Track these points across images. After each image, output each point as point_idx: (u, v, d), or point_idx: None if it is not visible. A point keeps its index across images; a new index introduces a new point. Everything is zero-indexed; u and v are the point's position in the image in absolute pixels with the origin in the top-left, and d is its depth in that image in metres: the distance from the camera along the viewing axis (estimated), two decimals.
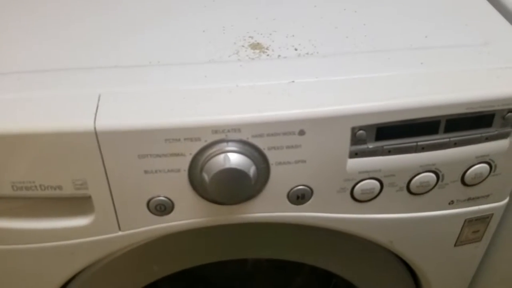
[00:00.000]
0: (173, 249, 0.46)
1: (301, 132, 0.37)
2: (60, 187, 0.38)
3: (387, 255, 0.49)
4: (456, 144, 0.39)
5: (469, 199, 0.44)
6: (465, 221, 0.46)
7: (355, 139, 0.38)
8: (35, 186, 0.38)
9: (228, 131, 0.36)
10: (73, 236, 0.41)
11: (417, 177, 0.41)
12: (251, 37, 0.44)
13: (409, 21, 0.46)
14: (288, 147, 0.37)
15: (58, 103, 0.36)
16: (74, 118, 0.35)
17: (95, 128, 0.35)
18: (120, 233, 0.41)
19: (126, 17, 0.47)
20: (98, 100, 0.37)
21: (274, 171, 0.38)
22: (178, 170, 0.38)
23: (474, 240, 0.48)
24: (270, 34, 0.45)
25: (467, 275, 0.54)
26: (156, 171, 0.38)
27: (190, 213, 0.41)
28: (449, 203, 0.44)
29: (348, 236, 0.45)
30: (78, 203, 0.40)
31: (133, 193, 0.39)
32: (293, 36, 0.45)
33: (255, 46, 0.43)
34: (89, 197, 0.39)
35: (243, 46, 0.43)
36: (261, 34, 0.45)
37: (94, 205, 0.39)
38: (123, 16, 0.48)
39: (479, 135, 0.39)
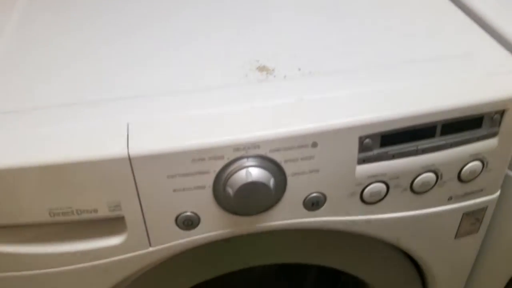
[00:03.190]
0: (198, 261, 0.49)
1: (314, 144, 0.40)
2: (95, 210, 0.41)
3: (392, 250, 0.53)
4: (451, 145, 0.44)
5: (465, 194, 0.48)
6: (463, 214, 0.50)
7: (362, 147, 0.42)
8: (72, 212, 0.41)
9: (249, 148, 0.40)
10: (107, 255, 0.44)
11: (419, 178, 0.45)
12: (257, 61, 0.48)
13: (397, 38, 0.51)
14: (302, 158, 0.41)
15: (91, 134, 0.40)
16: (109, 146, 0.39)
17: (128, 154, 0.38)
18: (151, 249, 0.44)
19: (134, 47, 0.51)
20: (127, 128, 0.40)
21: (291, 181, 0.42)
22: (204, 187, 0.41)
23: (472, 231, 0.52)
24: (274, 56, 0.49)
25: (467, 265, 0.58)
26: (183, 189, 0.41)
27: (215, 226, 0.44)
28: (448, 199, 0.48)
29: (353, 235, 0.49)
30: (111, 224, 0.43)
31: (163, 211, 0.42)
32: (295, 56, 0.49)
33: (262, 68, 0.47)
34: (122, 217, 0.42)
35: (250, 69, 0.47)
36: (266, 57, 0.49)
37: (127, 225, 0.42)
38: (133, 47, 0.51)
39: (471, 136, 0.44)
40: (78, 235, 0.44)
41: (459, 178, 0.46)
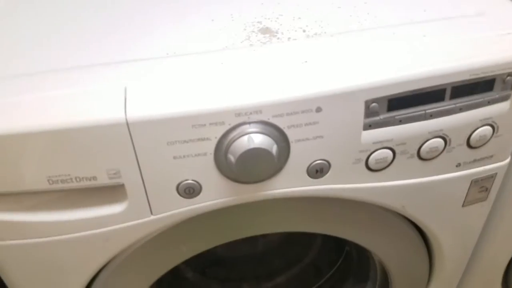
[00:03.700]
0: (200, 229, 0.48)
1: (318, 109, 0.39)
2: (94, 178, 0.40)
3: (398, 219, 0.52)
4: (461, 109, 0.42)
5: (474, 160, 0.47)
6: (471, 181, 0.49)
7: (369, 112, 0.40)
8: (71, 179, 0.40)
9: (250, 113, 0.38)
10: (107, 224, 0.44)
11: (426, 144, 0.43)
12: (260, 22, 0.46)
13: None
14: (306, 124, 0.40)
15: (88, 99, 0.38)
16: (106, 111, 0.37)
17: (126, 119, 0.37)
18: (152, 217, 0.44)
19: (133, 12, 0.49)
20: (125, 92, 0.39)
21: (294, 148, 0.41)
22: (205, 154, 0.40)
23: (480, 199, 0.51)
24: (277, 18, 0.47)
25: (474, 234, 0.58)
26: (184, 156, 0.40)
27: (216, 194, 0.43)
28: (456, 166, 0.47)
29: (359, 203, 0.48)
30: (112, 192, 0.42)
31: (163, 179, 0.41)
32: (300, 18, 0.47)
33: (265, 30, 0.45)
34: (122, 185, 0.41)
35: (253, 31, 0.45)
36: (269, 18, 0.47)
37: (127, 193, 0.41)
38: (131, 12, 0.49)
39: (482, 99, 0.42)
40: (79, 204, 0.43)
41: (468, 144, 0.45)
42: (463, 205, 0.51)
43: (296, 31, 0.45)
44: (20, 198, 0.42)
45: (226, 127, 0.39)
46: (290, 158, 0.42)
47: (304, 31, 0.45)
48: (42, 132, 0.37)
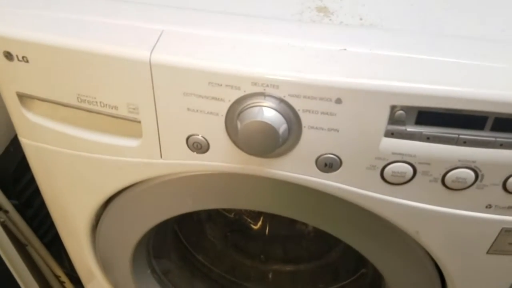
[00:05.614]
0: (207, 188, 0.49)
1: (338, 101, 0.37)
2: (116, 107, 0.42)
3: (416, 246, 0.48)
4: (502, 145, 0.37)
5: (509, 207, 0.41)
6: (502, 229, 0.43)
7: (393, 119, 0.37)
8: (96, 102, 0.43)
9: (267, 85, 0.37)
10: (122, 154, 0.46)
11: (453, 171, 0.39)
12: (321, 0, 0.44)
13: (487, 10, 0.43)
14: (323, 113, 0.38)
15: (124, 32, 0.40)
16: (135, 47, 0.39)
17: (150, 59, 0.38)
18: (161, 160, 0.45)
19: None
20: (160, 35, 0.40)
21: (306, 134, 0.39)
22: (217, 114, 0.40)
23: (510, 252, 0.45)
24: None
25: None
26: (197, 110, 0.40)
27: (222, 157, 0.43)
28: (486, 207, 0.42)
29: (377, 218, 0.45)
30: (130, 126, 0.44)
31: (176, 127, 0.42)
32: (364, 5, 0.44)
33: (321, 9, 0.43)
34: (139, 122, 0.43)
35: (309, 7, 0.44)
36: None
37: (142, 130, 0.43)
38: None
39: None
40: (101, 129, 0.46)
41: (504, 186, 0.39)
42: (487, 252, 0.46)
43: (353, 17, 0.42)
44: (55, 108, 0.45)
45: (241, 93, 0.38)
46: (300, 143, 0.40)
47: (361, 19, 0.42)
48: (77, 51, 0.40)
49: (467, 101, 0.35)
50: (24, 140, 0.50)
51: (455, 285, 0.50)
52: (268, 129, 0.38)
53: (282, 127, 0.38)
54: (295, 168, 0.42)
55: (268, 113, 0.38)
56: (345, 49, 0.38)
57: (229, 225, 0.80)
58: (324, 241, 0.77)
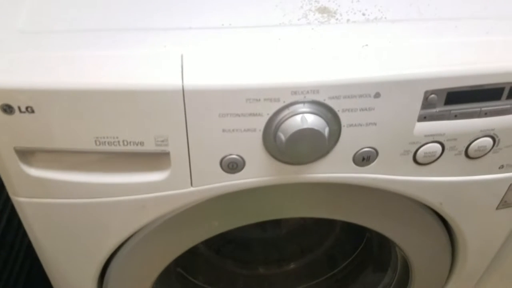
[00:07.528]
0: (234, 207, 0.48)
1: (377, 95, 0.38)
2: (142, 143, 0.39)
3: (424, 211, 0.51)
4: None
5: None
6: (510, 185, 0.48)
7: (426, 103, 0.39)
8: (118, 142, 0.39)
9: (307, 92, 0.37)
10: (147, 191, 0.43)
11: (476, 142, 0.43)
12: (317, 2, 0.45)
13: None
14: (362, 109, 0.39)
15: (144, 62, 0.37)
16: (163, 77, 0.36)
17: (183, 86, 0.36)
18: (191, 188, 0.43)
19: None
20: (182, 59, 0.38)
21: (345, 132, 0.40)
22: (254, 130, 0.39)
23: None
24: None
25: (501, 238, 0.57)
26: (233, 130, 0.39)
27: (259, 172, 0.43)
28: (499, 167, 0.46)
29: (387, 193, 0.47)
30: (155, 159, 0.41)
31: (209, 151, 0.40)
32: (358, 1, 0.46)
33: (323, 10, 0.44)
34: (167, 154, 0.40)
35: (310, 10, 0.44)
36: None
37: (171, 161, 0.41)
38: None
39: None
40: (121, 168, 0.43)
41: None
42: (497, 208, 0.51)
43: (355, 13, 0.44)
44: (64, 156, 0.41)
45: (280, 104, 0.38)
46: (339, 142, 0.41)
47: (363, 14, 0.44)
48: (94, 91, 0.36)
49: (488, 76, 0.39)
50: (21, 200, 0.44)
51: (466, 241, 0.55)
52: (315, 135, 0.38)
53: (326, 130, 0.39)
54: (333, 168, 0.43)
55: (311, 119, 0.38)
56: (367, 45, 0.40)
57: (218, 238, 0.78)
58: (315, 232, 0.79)
